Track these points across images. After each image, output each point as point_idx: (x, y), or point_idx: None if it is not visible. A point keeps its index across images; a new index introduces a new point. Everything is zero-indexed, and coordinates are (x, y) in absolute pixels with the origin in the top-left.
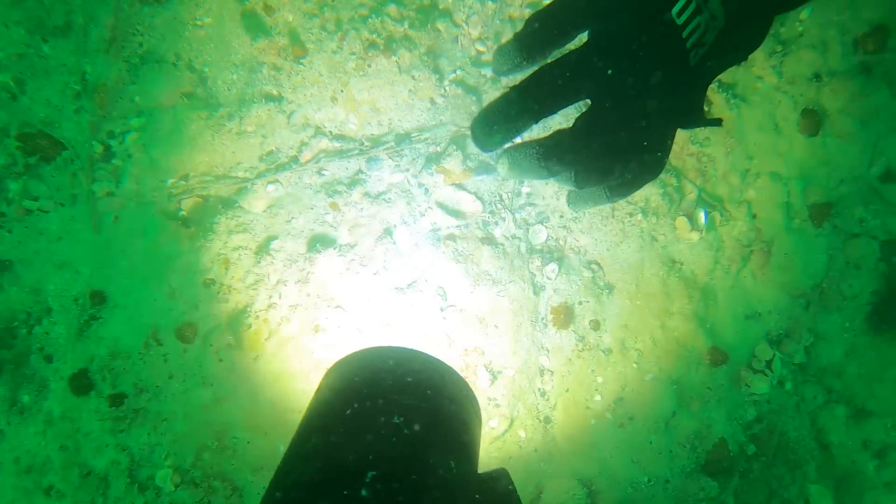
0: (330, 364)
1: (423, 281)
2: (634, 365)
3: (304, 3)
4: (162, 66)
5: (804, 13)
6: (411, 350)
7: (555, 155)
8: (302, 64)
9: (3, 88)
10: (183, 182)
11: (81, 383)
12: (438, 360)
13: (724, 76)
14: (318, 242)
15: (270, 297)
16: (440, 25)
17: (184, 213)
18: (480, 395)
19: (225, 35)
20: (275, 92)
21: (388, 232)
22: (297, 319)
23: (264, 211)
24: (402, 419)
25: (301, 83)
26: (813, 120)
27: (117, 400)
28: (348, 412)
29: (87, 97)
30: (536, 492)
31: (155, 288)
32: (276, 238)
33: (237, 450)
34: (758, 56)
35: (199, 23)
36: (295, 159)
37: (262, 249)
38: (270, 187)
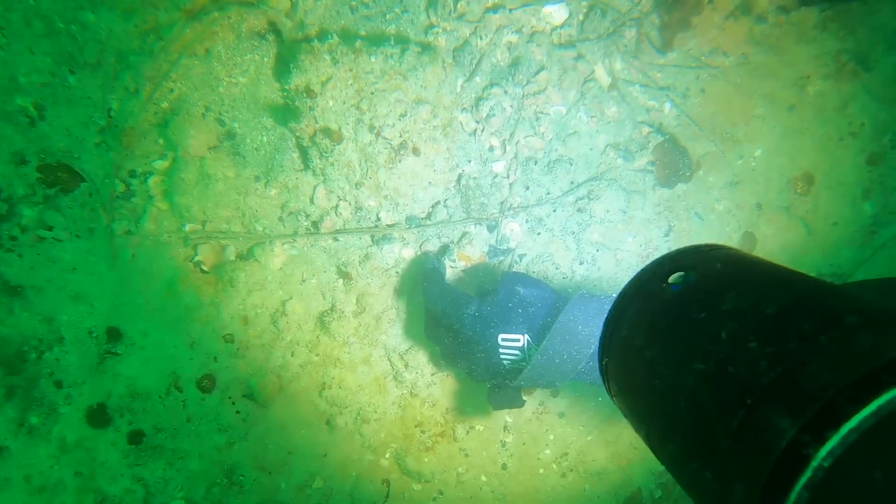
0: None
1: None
2: (581, 427)
3: (345, 93)
4: (191, 115)
5: (757, 151)
6: None
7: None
8: (336, 150)
9: (22, 112)
10: (200, 228)
11: (99, 417)
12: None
13: (696, 194)
14: (328, 309)
15: (283, 355)
16: (462, 119)
17: (199, 258)
18: (454, 446)
19: (259, 96)
20: (304, 164)
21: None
22: (306, 377)
23: (280, 269)
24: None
25: (332, 164)
26: (750, 241)
27: (136, 437)
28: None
29: (111, 134)
30: None
31: (174, 335)
32: (290, 299)
33: (244, 486)
34: (717, 182)
35: (234, 80)
36: (315, 225)
37: (278, 311)
38: (287, 246)
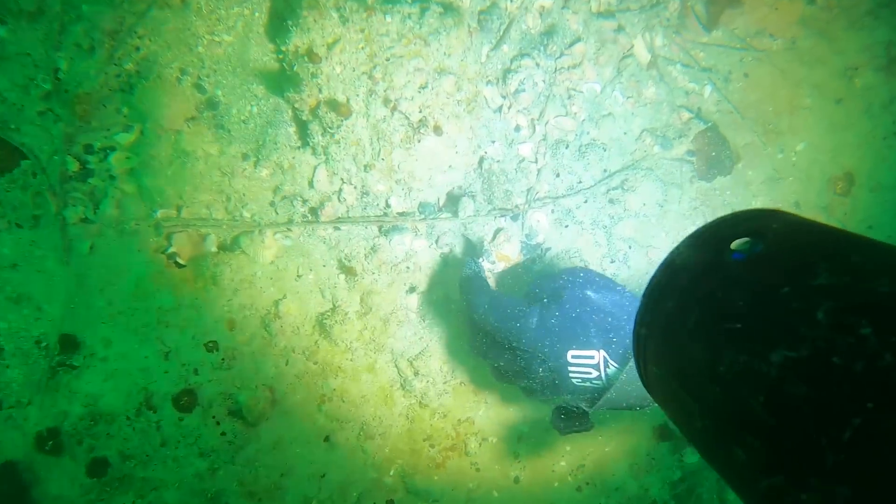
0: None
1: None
2: (599, 437)
3: (355, 58)
4: (163, 80)
5: (800, 146)
6: None
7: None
8: (343, 125)
9: None
10: (175, 214)
11: (51, 444)
12: None
13: (734, 189)
14: (329, 310)
15: (276, 365)
16: (487, 93)
17: (174, 250)
18: (466, 461)
19: (248, 59)
20: (302, 141)
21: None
22: (303, 389)
23: (271, 263)
24: None
25: (337, 142)
26: None
27: (98, 468)
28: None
29: (59, 101)
30: None
31: (145, 343)
32: (283, 298)
33: None
34: (756, 176)
35: (217, 39)
36: (313, 212)
37: (270, 312)
38: (279, 236)
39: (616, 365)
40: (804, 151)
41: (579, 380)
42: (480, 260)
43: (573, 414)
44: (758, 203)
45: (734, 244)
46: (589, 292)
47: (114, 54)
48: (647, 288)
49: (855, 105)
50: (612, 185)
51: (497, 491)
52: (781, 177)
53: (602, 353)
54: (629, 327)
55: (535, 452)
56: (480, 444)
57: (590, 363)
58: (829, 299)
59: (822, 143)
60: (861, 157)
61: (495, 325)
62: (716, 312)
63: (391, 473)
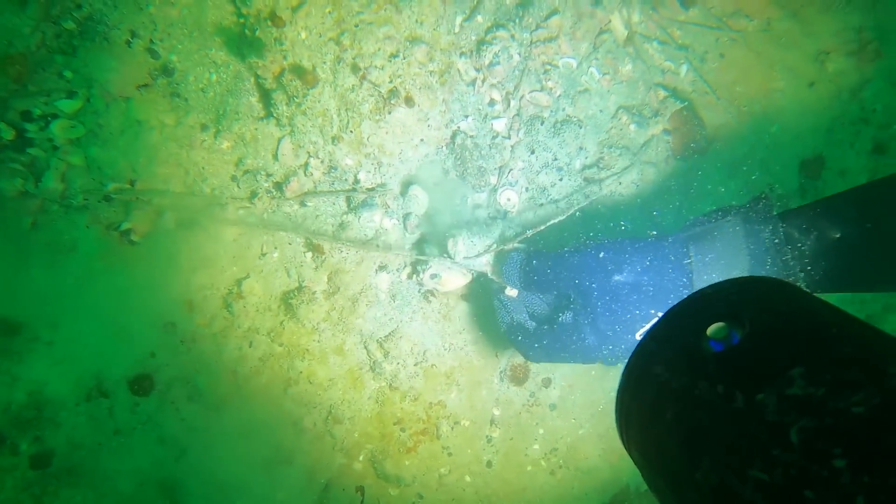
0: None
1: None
2: (573, 420)
3: (321, 23)
4: (111, 42)
5: (774, 128)
6: None
7: None
8: (309, 95)
9: None
10: (128, 187)
11: None
12: None
13: (709, 169)
14: (295, 289)
15: (240, 347)
16: (461, 65)
17: (129, 226)
18: (437, 445)
19: (205, 22)
20: (266, 111)
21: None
22: (268, 372)
23: (233, 241)
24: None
25: (303, 112)
26: None
27: (42, 460)
28: None
29: None
30: None
31: (96, 326)
32: (246, 278)
33: None
34: (731, 158)
35: None
36: (278, 187)
37: (232, 292)
38: (242, 213)
39: None
40: (778, 134)
41: None
42: (506, 292)
43: None
44: (733, 184)
45: (711, 330)
46: (616, 277)
47: (50, 11)
48: (623, 375)
49: (826, 89)
50: (588, 163)
51: (469, 475)
52: (754, 159)
53: (657, 316)
54: (668, 277)
55: (507, 436)
56: (452, 428)
57: None
58: (804, 415)
59: (796, 126)
60: (830, 141)
61: (562, 356)
62: (692, 414)
63: (360, 459)
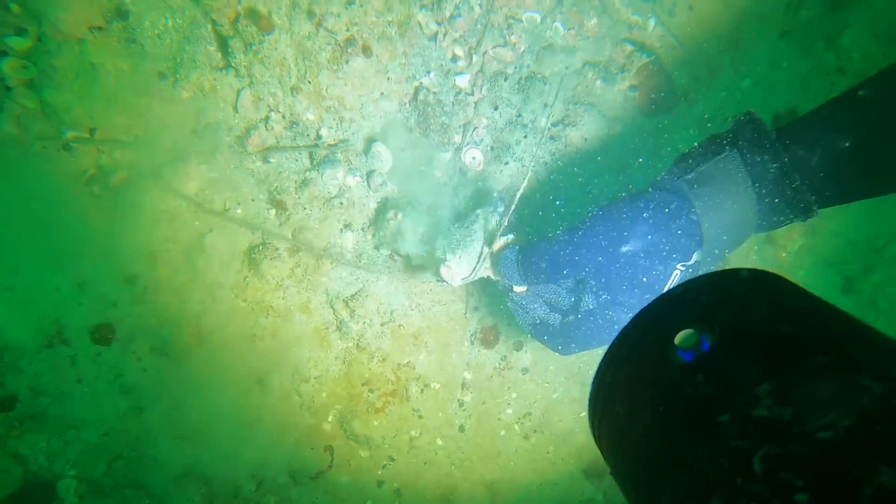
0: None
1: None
2: (546, 384)
3: None
4: None
5: (745, 82)
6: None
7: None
8: (266, 42)
9: None
10: (87, 137)
11: None
12: None
13: (678, 127)
14: (259, 245)
15: (202, 301)
16: (421, 18)
17: (91, 172)
18: (407, 406)
19: None
20: (225, 61)
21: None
22: (232, 327)
23: (196, 195)
24: None
25: (261, 61)
26: None
27: (6, 403)
28: None
29: None
30: (446, 494)
31: (56, 273)
32: (209, 232)
33: (158, 459)
34: (700, 114)
35: None
36: (239, 141)
37: (195, 246)
38: (204, 167)
39: (693, 259)
40: (749, 89)
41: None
42: (515, 290)
43: None
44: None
45: (679, 338)
46: (624, 248)
47: None
48: (593, 384)
49: (798, 39)
50: (554, 120)
51: (441, 439)
52: (725, 116)
53: (677, 269)
54: (678, 232)
55: (480, 400)
56: (423, 391)
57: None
58: (768, 441)
59: (767, 80)
60: (804, 94)
61: (595, 342)
62: (659, 433)
63: (329, 419)
